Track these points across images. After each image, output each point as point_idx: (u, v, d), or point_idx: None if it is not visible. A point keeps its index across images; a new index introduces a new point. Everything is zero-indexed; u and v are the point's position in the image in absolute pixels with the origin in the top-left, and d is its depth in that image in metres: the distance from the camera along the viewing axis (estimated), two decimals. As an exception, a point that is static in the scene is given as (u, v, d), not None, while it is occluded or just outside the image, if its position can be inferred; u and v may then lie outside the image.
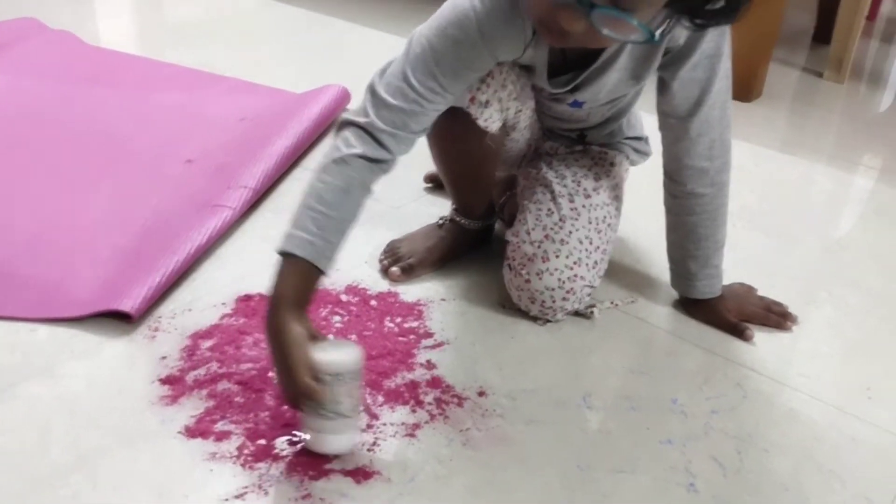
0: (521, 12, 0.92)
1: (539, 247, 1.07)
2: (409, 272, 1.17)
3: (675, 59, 0.99)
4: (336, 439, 0.85)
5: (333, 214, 0.90)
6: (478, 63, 0.97)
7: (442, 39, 0.94)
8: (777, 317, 1.13)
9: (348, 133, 0.94)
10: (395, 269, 1.16)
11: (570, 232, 1.07)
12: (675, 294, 1.16)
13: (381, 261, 1.19)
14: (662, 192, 1.11)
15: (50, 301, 1.06)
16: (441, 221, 1.23)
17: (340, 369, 0.82)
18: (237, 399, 0.93)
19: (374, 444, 0.89)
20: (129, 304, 1.03)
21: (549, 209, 1.10)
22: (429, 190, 1.42)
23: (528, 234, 1.08)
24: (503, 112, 1.06)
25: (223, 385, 0.95)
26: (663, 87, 1.03)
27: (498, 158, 1.17)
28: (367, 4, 2.47)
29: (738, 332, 1.10)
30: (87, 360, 0.98)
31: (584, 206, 1.10)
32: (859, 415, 0.98)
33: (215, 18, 2.31)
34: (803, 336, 1.12)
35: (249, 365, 0.98)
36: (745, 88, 1.95)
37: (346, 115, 0.96)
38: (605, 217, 1.12)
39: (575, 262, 1.06)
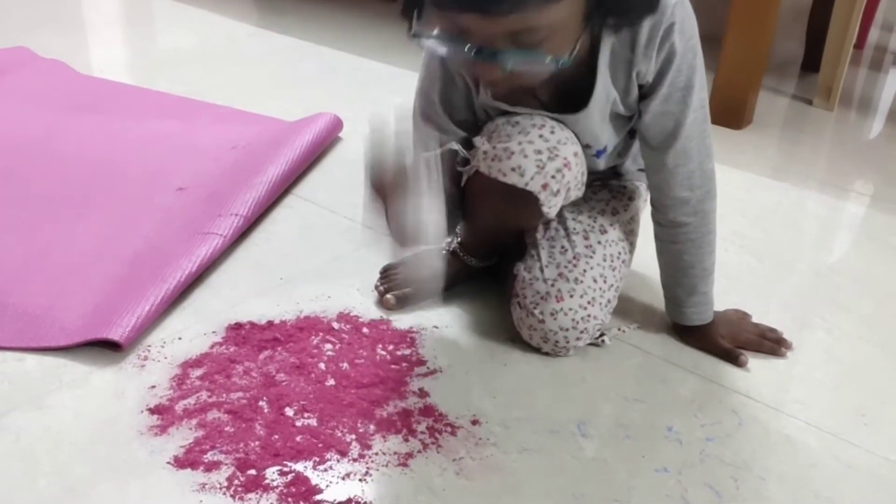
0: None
1: (553, 285, 1.05)
2: (404, 302, 1.16)
3: (646, 94, 1.00)
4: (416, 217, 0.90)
5: None
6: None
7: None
8: (771, 343, 1.12)
9: None
10: (389, 297, 1.15)
11: (585, 270, 1.06)
12: (668, 321, 1.16)
13: (377, 287, 1.18)
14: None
15: (38, 330, 1.05)
16: (443, 249, 1.21)
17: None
18: (227, 429, 0.92)
19: (366, 473, 0.87)
20: (118, 333, 1.02)
21: (562, 246, 1.08)
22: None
23: (542, 271, 1.06)
24: (565, 201, 1.04)
25: (213, 414, 0.94)
26: (639, 121, 1.03)
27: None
28: (358, 33, 2.48)
29: (733, 359, 1.09)
30: (76, 390, 0.97)
31: (599, 243, 1.09)
32: (855, 441, 0.98)
33: (207, 47, 2.32)
34: (798, 362, 1.12)
35: (240, 394, 0.97)
36: (736, 116, 1.96)
37: None
38: (619, 253, 1.11)
39: (589, 302, 1.05)
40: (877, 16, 2.72)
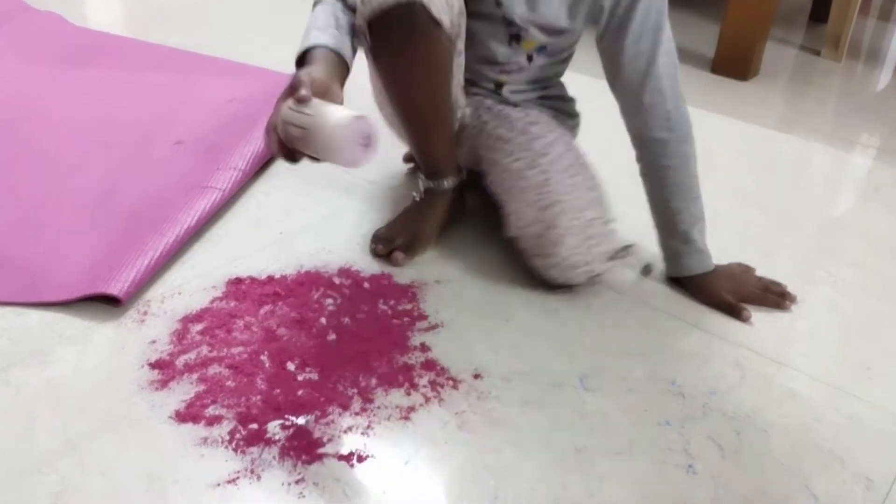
0: None
1: (540, 221, 1.06)
2: (412, 252, 1.16)
3: (617, 27, 1.06)
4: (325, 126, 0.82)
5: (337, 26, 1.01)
6: None
7: None
8: (775, 297, 1.12)
9: None
10: (397, 253, 1.15)
11: (555, 190, 1.06)
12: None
13: (373, 250, 1.17)
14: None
15: (38, 285, 1.05)
16: (416, 196, 1.20)
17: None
18: (228, 383, 0.92)
19: (369, 427, 0.87)
20: (117, 288, 1.01)
21: (522, 186, 1.09)
22: (411, 173, 1.39)
23: (521, 219, 1.08)
24: (449, 4, 1.01)
25: (214, 369, 0.93)
26: (612, 63, 1.08)
27: (450, 88, 1.11)
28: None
29: (736, 313, 1.09)
30: (76, 345, 0.96)
31: (550, 163, 1.09)
32: (859, 394, 0.97)
33: (205, -1, 2.28)
34: (802, 316, 1.11)
35: (240, 348, 0.97)
36: (743, 67, 1.94)
37: None
38: (575, 159, 1.11)
39: (580, 209, 1.06)
40: (887, -35, 2.68)
